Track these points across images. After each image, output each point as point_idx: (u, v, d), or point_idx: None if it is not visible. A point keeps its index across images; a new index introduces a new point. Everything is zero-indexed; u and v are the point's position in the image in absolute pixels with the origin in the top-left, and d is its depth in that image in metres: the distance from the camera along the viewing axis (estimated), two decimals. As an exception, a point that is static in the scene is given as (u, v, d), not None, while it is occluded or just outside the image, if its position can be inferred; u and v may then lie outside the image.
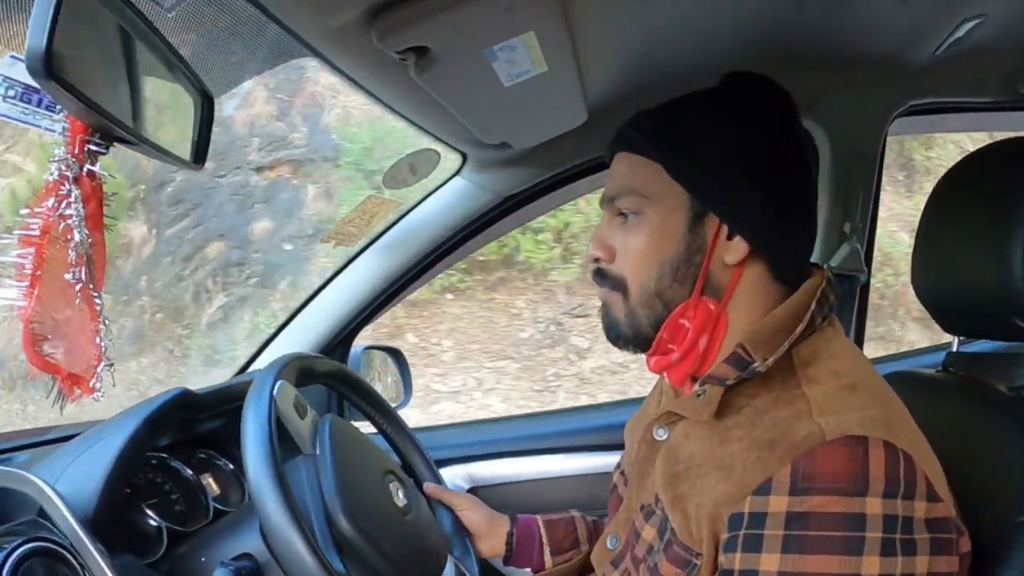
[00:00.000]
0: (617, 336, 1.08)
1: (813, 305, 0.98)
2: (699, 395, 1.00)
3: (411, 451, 1.51)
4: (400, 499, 1.20)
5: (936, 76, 1.67)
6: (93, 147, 0.89)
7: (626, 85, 1.45)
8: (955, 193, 1.21)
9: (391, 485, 1.21)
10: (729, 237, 1.00)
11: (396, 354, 2.05)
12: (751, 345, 0.96)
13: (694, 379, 1.06)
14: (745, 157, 0.99)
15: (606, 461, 1.88)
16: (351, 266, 1.79)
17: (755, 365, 0.95)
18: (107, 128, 0.89)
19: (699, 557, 0.95)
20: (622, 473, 1.22)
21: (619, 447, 1.28)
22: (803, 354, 0.97)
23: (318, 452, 1.13)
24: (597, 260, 1.07)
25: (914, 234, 1.27)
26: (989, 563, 0.96)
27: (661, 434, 1.08)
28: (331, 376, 1.36)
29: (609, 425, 1.93)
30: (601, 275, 1.07)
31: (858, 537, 0.82)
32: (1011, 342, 1.18)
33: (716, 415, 0.97)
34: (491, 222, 1.74)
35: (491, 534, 1.39)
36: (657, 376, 1.22)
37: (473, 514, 1.41)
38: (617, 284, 1.05)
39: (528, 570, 1.39)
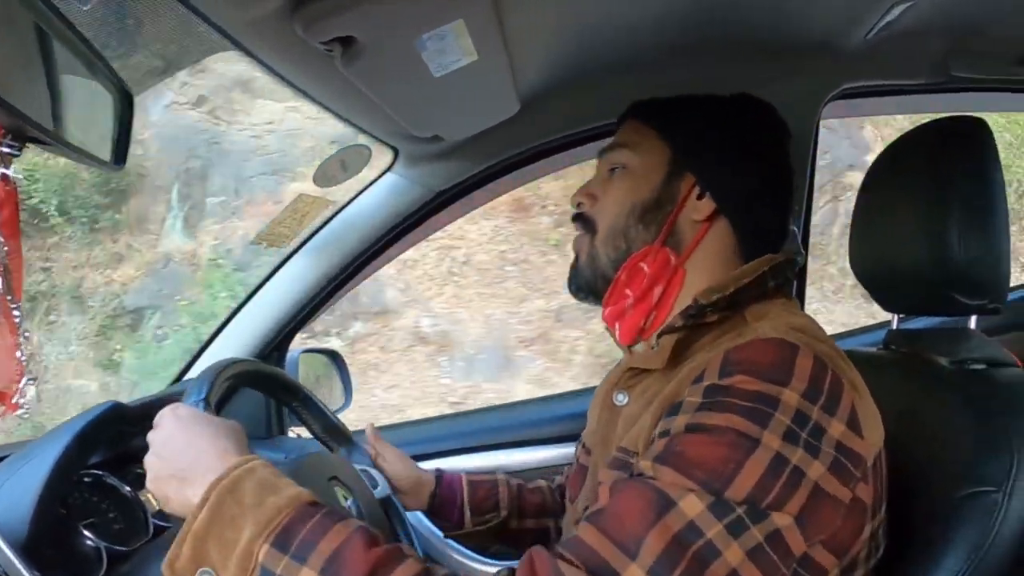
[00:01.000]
0: (578, 284, 1.16)
1: (765, 269, 1.03)
2: (654, 347, 1.05)
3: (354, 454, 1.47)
4: (347, 504, 1.19)
5: (869, 59, 1.69)
6: (5, 149, 0.84)
7: (558, 74, 1.44)
8: (892, 171, 1.23)
9: (336, 490, 1.19)
10: (699, 197, 1.08)
11: (335, 357, 2.01)
12: (703, 296, 1.01)
13: (642, 341, 1.12)
14: (729, 132, 1.10)
15: (565, 452, 1.87)
16: (285, 268, 1.75)
17: (700, 302, 1.00)
18: (21, 129, 0.83)
19: (635, 456, 0.97)
20: (583, 446, 1.23)
21: (573, 438, 1.28)
22: (755, 311, 1.02)
23: None
24: (579, 206, 1.17)
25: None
26: (937, 537, 0.97)
27: (621, 399, 1.09)
28: (265, 380, 1.33)
29: (574, 414, 1.92)
30: (577, 218, 1.16)
31: (767, 413, 0.84)
32: (952, 317, 1.20)
33: (672, 366, 1.01)
34: (425, 217, 1.71)
35: (416, 491, 1.42)
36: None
37: (397, 467, 1.43)
38: (588, 225, 1.14)
39: None
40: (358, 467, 1.36)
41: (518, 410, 2.11)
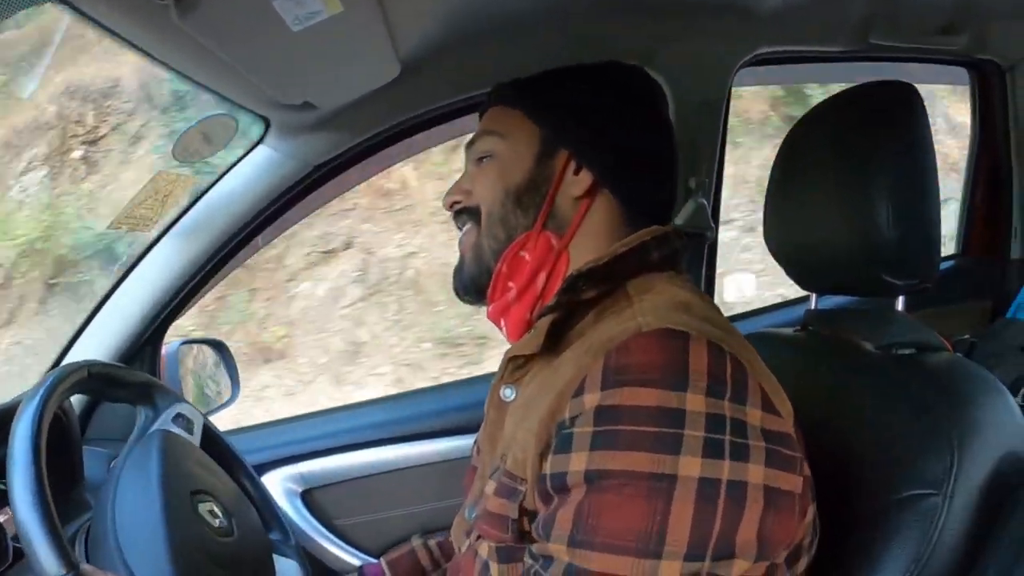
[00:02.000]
0: (462, 283, 1.08)
1: (647, 236, 0.97)
2: (533, 332, 0.97)
3: (229, 460, 1.36)
4: (216, 520, 1.10)
5: (785, 23, 1.62)
6: None
7: (442, 34, 1.32)
8: (813, 140, 1.14)
9: (202, 507, 1.09)
10: (576, 172, 1.01)
11: (219, 347, 1.88)
12: (582, 274, 0.94)
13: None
14: (599, 101, 1.03)
15: (454, 446, 1.76)
16: (151, 254, 1.60)
17: (575, 275, 0.93)
18: None
19: (523, 483, 0.87)
20: (478, 447, 1.15)
21: (472, 430, 1.16)
22: (638, 285, 0.94)
23: (100, 497, 1.04)
24: (453, 205, 1.09)
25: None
26: (875, 542, 0.89)
27: (508, 394, 1.01)
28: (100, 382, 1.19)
29: (463, 405, 1.81)
30: (460, 212, 1.08)
31: (674, 434, 0.74)
32: (876, 297, 1.12)
33: (551, 349, 0.94)
34: (303, 193, 1.57)
35: None
36: None
37: None
38: (472, 214, 1.06)
39: None
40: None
41: (413, 400, 1.98)
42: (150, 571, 0.96)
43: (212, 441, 1.31)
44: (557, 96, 1.05)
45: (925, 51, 2.05)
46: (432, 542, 1.39)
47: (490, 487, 0.93)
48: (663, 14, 1.43)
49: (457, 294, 1.10)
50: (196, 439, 1.24)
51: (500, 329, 1.06)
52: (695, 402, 0.75)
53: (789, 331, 1.26)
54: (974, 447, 0.88)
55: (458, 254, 1.11)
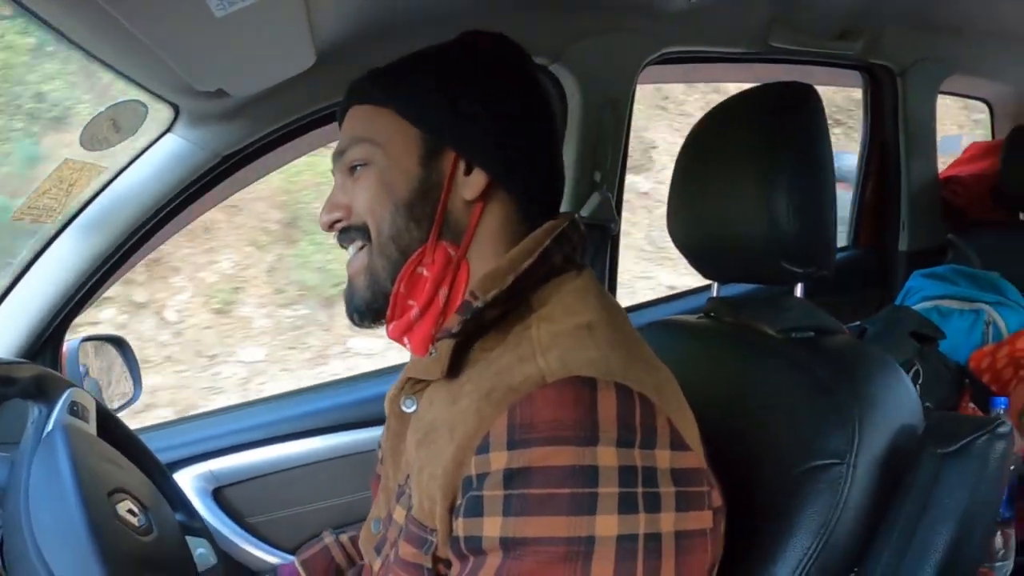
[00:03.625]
0: (357, 307, 0.98)
1: (548, 241, 0.90)
2: (432, 353, 0.92)
3: (126, 444, 1.30)
4: (135, 518, 1.06)
5: (690, 24, 1.68)
6: None
7: (359, 23, 1.31)
8: (717, 135, 1.18)
9: (120, 507, 1.05)
10: (467, 172, 0.94)
11: (120, 343, 1.81)
12: (480, 289, 0.87)
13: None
14: (478, 88, 0.94)
15: (369, 437, 1.77)
16: (54, 246, 1.54)
17: (477, 304, 0.86)
18: None
19: (434, 533, 0.85)
20: (381, 456, 1.12)
21: (382, 421, 1.16)
22: (541, 296, 0.90)
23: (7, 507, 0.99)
24: (333, 224, 0.98)
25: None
26: (782, 514, 0.92)
27: (409, 405, 0.97)
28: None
29: (370, 398, 1.83)
30: (346, 231, 0.98)
31: (589, 494, 0.72)
32: (775, 285, 1.17)
33: (453, 373, 0.89)
34: (211, 185, 1.53)
35: None
36: None
37: None
38: (360, 232, 0.96)
39: None
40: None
41: (322, 393, 1.96)
42: None
43: (108, 426, 1.26)
44: (426, 87, 0.95)
45: (822, 55, 2.13)
46: (344, 537, 1.35)
47: (399, 514, 0.92)
48: (576, 11, 1.45)
49: (352, 320, 0.99)
50: (93, 427, 1.19)
51: (404, 346, 1.00)
52: (606, 456, 0.73)
53: (692, 318, 1.29)
54: (874, 421, 0.93)
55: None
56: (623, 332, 0.87)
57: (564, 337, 0.83)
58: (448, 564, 0.83)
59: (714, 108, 1.21)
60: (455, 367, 0.89)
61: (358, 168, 0.96)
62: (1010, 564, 1.56)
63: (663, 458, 0.76)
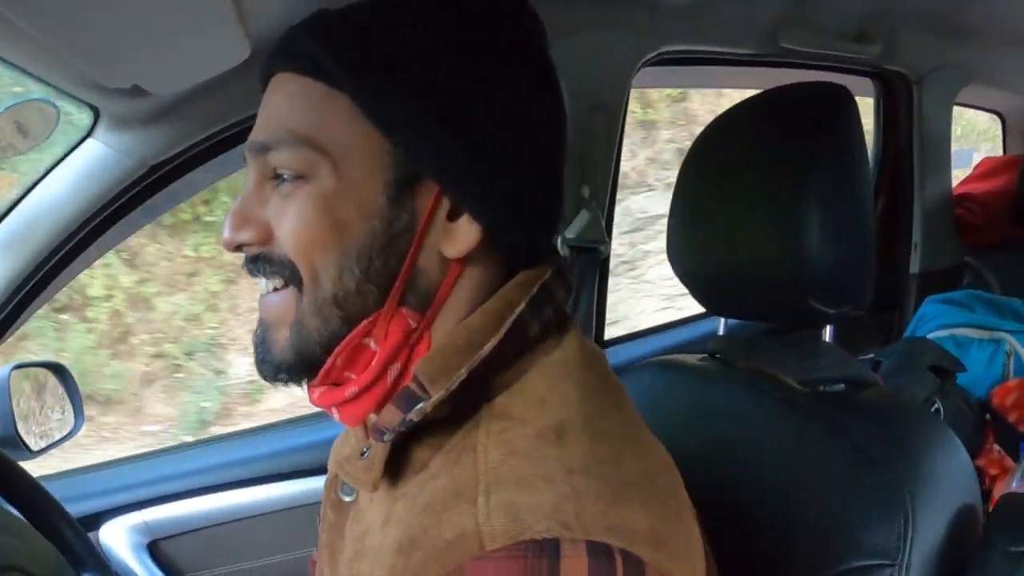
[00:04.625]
0: (275, 366, 0.70)
1: (522, 306, 0.66)
2: (363, 453, 0.68)
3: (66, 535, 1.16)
4: None
5: (694, 20, 1.52)
6: None
7: (301, 6, 1.10)
8: (726, 146, 1.00)
9: None
10: (451, 217, 0.67)
11: (59, 370, 1.64)
12: (428, 375, 0.64)
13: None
14: (487, 91, 0.65)
15: (314, 487, 1.60)
16: None
17: (421, 405, 0.63)
18: None
19: None
20: (315, 555, 0.92)
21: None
22: (504, 377, 0.65)
23: None
24: (241, 247, 0.69)
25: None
26: None
27: (348, 493, 0.77)
28: None
29: (320, 442, 1.65)
30: (262, 260, 0.68)
31: None
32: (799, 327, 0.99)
33: (391, 475, 0.67)
34: (141, 196, 1.33)
35: None
36: None
37: None
38: (287, 270, 0.67)
39: None
40: None
41: (264, 436, 1.79)
42: None
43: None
44: (415, 77, 0.64)
45: (835, 58, 2.00)
46: None
47: None
48: (565, 3, 1.30)
49: (263, 376, 0.72)
50: None
51: (330, 413, 0.75)
52: None
53: (695, 359, 1.11)
54: (931, 505, 0.76)
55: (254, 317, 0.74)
56: (608, 432, 0.64)
57: (520, 458, 0.59)
58: None
59: (724, 113, 1.03)
60: (394, 471, 0.67)
61: (288, 180, 0.66)
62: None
63: None
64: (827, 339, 0.99)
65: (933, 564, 0.75)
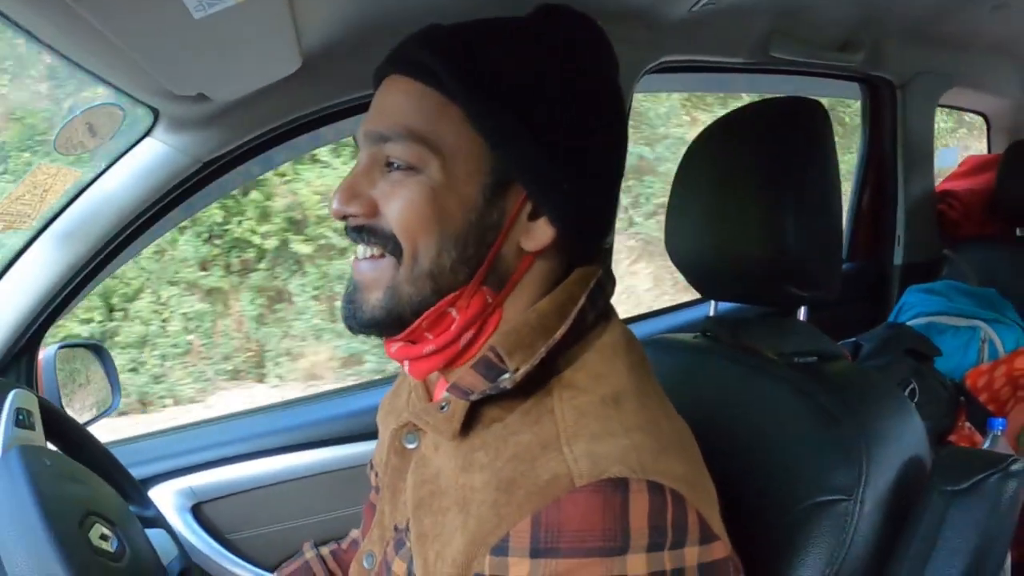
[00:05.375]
0: (365, 322, 0.82)
1: (583, 300, 0.80)
2: (443, 407, 0.80)
3: (114, 474, 1.25)
4: (108, 543, 1.00)
5: (691, 33, 1.64)
6: None
7: (349, 25, 1.26)
8: (718, 149, 1.14)
9: (92, 534, 0.99)
10: (532, 216, 0.79)
11: (99, 351, 1.77)
12: (505, 348, 0.77)
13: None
14: (580, 118, 0.78)
15: (357, 452, 1.72)
16: (28, 253, 1.48)
17: (504, 377, 0.76)
18: None
19: None
20: (375, 475, 1.05)
21: (371, 436, 1.10)
22: (567, 356, 0.79)
23: None
24: (348, 217, 0.81)
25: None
26: (781, 550, 0.89)
27: (411, 441, 0.88)
28: None
29: (355, 412, 1.77)
30: (367, 231, 0.80)
31: None
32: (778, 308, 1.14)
33: (465, 432, 0.79)
34: (191, 192, 1.48)
35: None
36: None
37: None
38: (390, 244, 0.79)
39: None
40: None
41: (305, 407, 1.92)
42: None
43: (52, 423, 1.18)
44: (519, 97, 0.76)
45: (823, 66, 2.11)
46: (325, 550, 1.28)
47: (400, 568, 0.85)
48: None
49: (349, 327, 0.84)
50: (40, 431, 1.11)
51: (400, 364, 0.90)
52: (636, 564, 0.67)
53: (689, 337, 1.25)
54: (883, 455, 0.90)
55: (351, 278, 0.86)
56: (651, 400, 0.79)
57: (590, 417, 0.73)
58: None
59: (716, 121, 1.16)
60: (467, 425, 0.79)
61: (399, 168, 0.78)
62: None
63: (691, 555, 0.71)
64: (801, 319, 1.12)
65: (885, 501, 0.88)
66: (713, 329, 1.21)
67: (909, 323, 2.27)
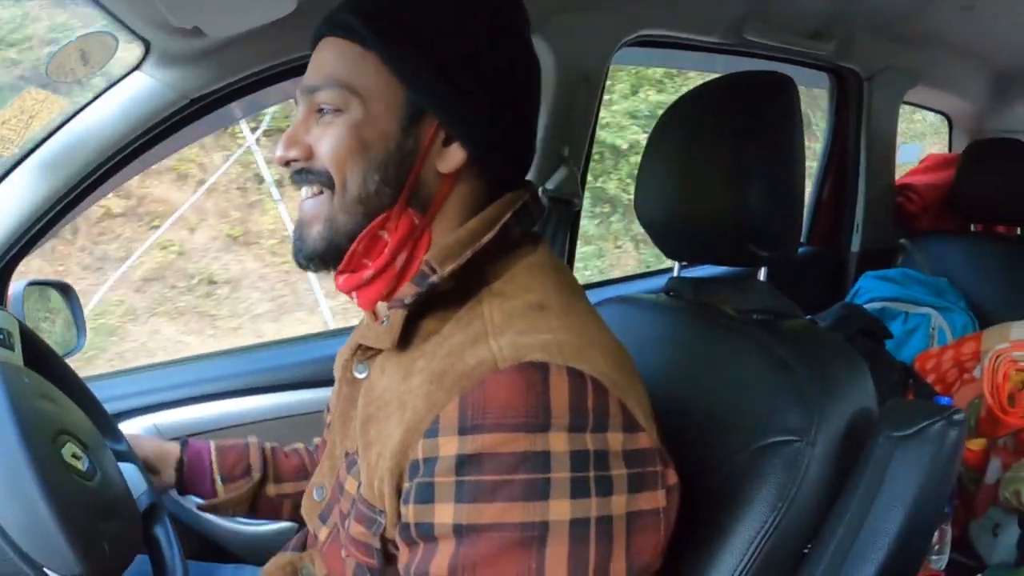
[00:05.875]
0: (309, 254, 0.92)
1: (508, 215, 0.89)
2: (383, 322, 0.90)
3: (89, 406, 1.25)
4: (80, 463, 1.02)
5: (668, 9, 1.70)
6: None
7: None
8: (690, 117, 1.18)
9: (65, 451, 1.01)
10: (446, 143, 0.89)
11: (65, 289, 1.75)
12: (437, 260, 0.85)
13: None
14: (477, 54, 0.88)
15: (318, 397, 1.75)
16: (6, 182, 1.47)
17: (433, 278, 0.85)
18: None
19: (382, 515, 0.85)
20: (330, 421, 1.10)
21: (331, 383, 1.14)
22: (495, 270, 0.88)
23: None
24: (289, 163, 0.92)
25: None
26: (737, 488, 0.93)
27: (360, 371, 0.96)
28: None
29: (319, 358, 1.80)
30: (305, 171, 0.91)
31: (542, 480, 0.73)
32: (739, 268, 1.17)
33: (405, 345, 0.88)
34: (176, 127, 1.48)
35: (162, 464, 1.27)
36: None
37: (140, 442, 1.29)
38: (324, 179, 0.90)
39: None
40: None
41: (270, 351, 1.94)
42: (42, 552, 0.88)
43: (34, 350, 1.18)
44: (424, 40, 0.87)
45: (794, 52, 2.17)
46: (268, 446, 1.32)
47: (352, 485, 0.92)
48: None
49: (298, 264, 0.94)
50: (19, 353, 1.11)
51: (351, 299, 0.98)
52: (558, 442, 0.73)
53: (652, 296, 1.29)
54: (834, 401, 0.95)
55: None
56: (576, 311, 0.86)
57: (516, 318, 0.81)
58: (396, 545, 0.83)
59: (690, 91, 1.21)
60: (406, 338, 0.88)
61: (328, 112, 0.89)
62: (945, 558, 1.60)
63: (615, 441, 0.76)
64: (761, 278, 1.17)
65: (836, 444, 0.93)
66: (676, 288, 1.25)
67: (864, 306, 2.34)
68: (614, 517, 0.75)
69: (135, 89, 1.41)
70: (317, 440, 1.35)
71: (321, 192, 0.91)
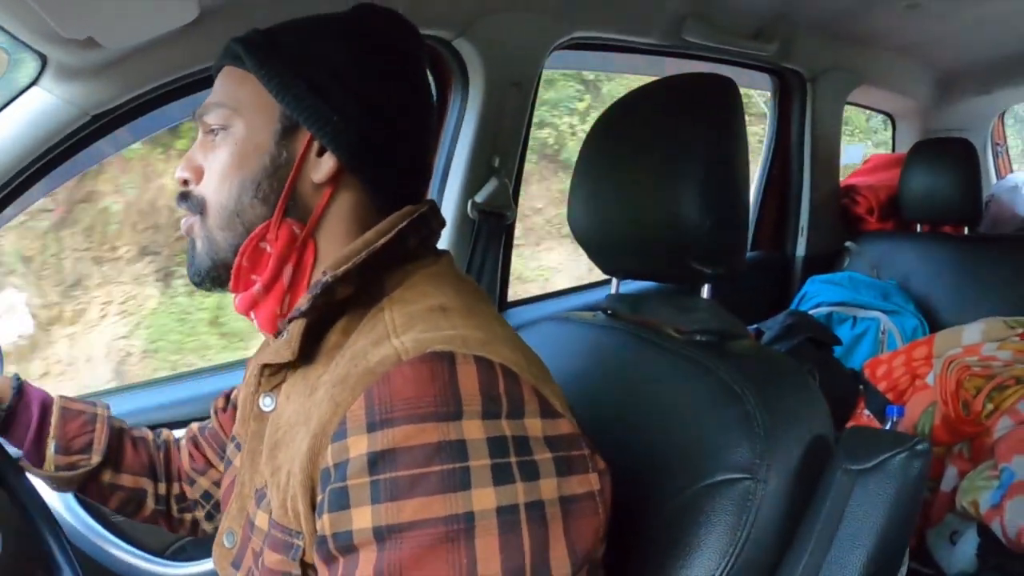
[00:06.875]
0: (198, 272, 0.95)
1: (403, 223, 0.90)
2: (283, 335, 0.89)
3: None
4: None
5: (602, 10, 1.64)
6: None
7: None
8: (624, 126, 1.12)
9: None
10: (319, 153, 0.92)
11: None
12: (331, 267, 0.86)
13: None
14: (348, 71, 0.91)
15: None
16: None
17: (326, 277, 0.84)
18: None
19: (299, 536, 0.81)
20: (238, 459, 1.02)
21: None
22: (394, 279, 0.89)
23: None
24: (185, 183, 0.95)
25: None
26: (682, 531, 0.87)
27: (267, 404, 0.93)
28: None
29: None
30: (183, 197, 0.96)
31: (460, 469, 0.70)
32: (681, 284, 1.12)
33: (307, 359, 0.87)
34: (77, 147, 1.38)
35: None
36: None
37: None
38: (196, 205, 0.94)
39: None
40: None
41: (171, 386, 1.82)
42: None
43: None
44: (294, 60, 0.91)
45: (735, 53, 2.13)
46: (118, 422, 1.21)
47: (262, 520, 0.87)
48: None
49: (193, 282, 0.97)
50: None
51: (251, 321, 0.97)
52: (473, 429, 0.71)
53: (589, 315, 1.23)
54: (786, 432, 0.89)
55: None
56: (480, 312, 0.85)
57: (418, 319, 0.81)
58: (316, 570, 0.77)
59: (625, 95, 1.15)
60: (308, 351, 0.87)
61: (218, 133, 0.93)
62: (904, 570, 1.56)
63: (534, 426, 0.74)
64: (704, 295, 1.11)
65: (790, 481, 0.87)
66: (613, 306, 1.19)
67: (810, 312, 2.32)
68: (546, 502, 0.72)
69: (33, 106, 1.32)
70: (180, 432, 1.28)
71: (196, 218, 0.94)
